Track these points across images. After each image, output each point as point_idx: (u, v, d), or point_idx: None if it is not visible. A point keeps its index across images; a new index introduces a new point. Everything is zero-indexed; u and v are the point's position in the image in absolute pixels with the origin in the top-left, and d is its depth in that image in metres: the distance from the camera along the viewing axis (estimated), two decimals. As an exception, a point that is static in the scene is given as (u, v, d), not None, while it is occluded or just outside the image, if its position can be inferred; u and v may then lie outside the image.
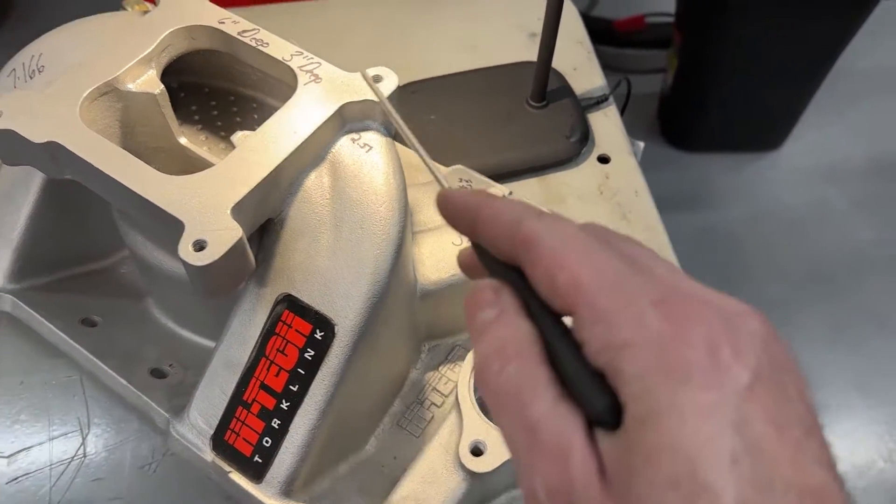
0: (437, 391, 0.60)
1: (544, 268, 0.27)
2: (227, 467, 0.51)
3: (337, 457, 0.55)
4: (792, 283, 1.53)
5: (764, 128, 1.68)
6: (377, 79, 0.51)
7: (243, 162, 0.48)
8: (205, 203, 0.45)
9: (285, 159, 0.48)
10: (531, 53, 0.78)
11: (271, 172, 0.48)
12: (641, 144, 0.81)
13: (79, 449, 0.58)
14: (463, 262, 0.35)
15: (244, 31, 0.54)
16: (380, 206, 0.50)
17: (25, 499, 0.55)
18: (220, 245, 0.44)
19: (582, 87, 0.83)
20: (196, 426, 0.53)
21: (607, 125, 0.80)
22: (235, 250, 0.44)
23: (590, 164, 0.77)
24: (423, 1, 0.94)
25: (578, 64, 0.86)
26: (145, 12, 0.59)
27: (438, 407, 0.59)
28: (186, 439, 0.53)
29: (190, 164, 0.55)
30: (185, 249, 0.43)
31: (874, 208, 1.62)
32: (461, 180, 0.65)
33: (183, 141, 0.56)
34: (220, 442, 0.52)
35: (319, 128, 0.50)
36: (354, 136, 0.52)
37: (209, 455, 0.52)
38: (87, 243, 0.66)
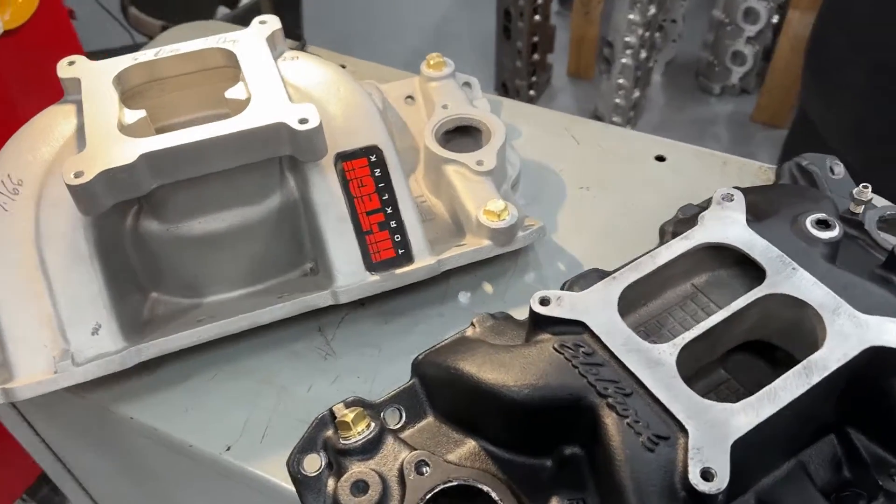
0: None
1: None
2: (392, 270, 0.74)
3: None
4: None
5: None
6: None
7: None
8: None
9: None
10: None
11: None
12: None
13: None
14: None
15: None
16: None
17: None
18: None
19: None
20: (347, 272, 0.73)
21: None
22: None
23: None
24: None
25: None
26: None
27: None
28: (351, 284, 0.72)
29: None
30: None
31: None
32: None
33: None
34: (372, 264, 0.73)
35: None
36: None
37: (373, 277, 0.73)
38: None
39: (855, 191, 0.74)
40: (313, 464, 0.61)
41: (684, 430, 0.50)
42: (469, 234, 0.78)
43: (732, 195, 0.64)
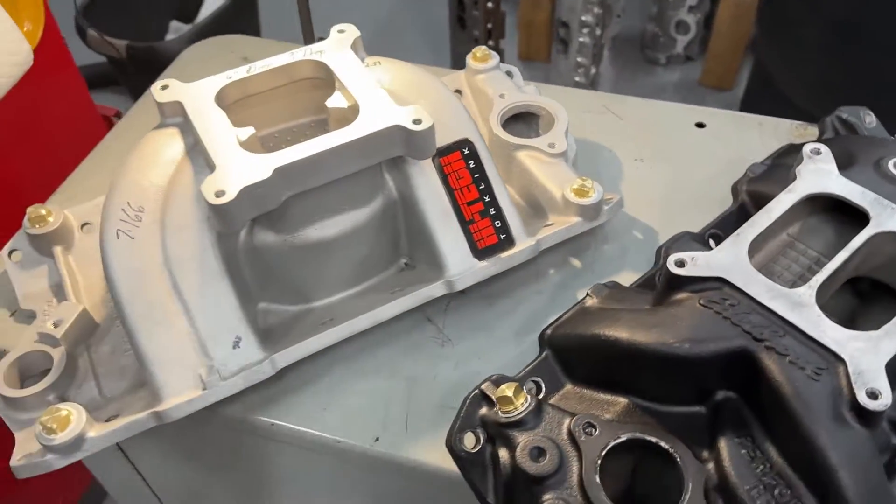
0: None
1: None
2: (497, 255, 0.77)
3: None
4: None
5: None
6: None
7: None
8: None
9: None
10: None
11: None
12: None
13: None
14: None
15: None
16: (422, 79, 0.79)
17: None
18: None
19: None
20: (457, 262, 0.76)
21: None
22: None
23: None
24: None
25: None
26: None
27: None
28: (463, 271, 0.76)
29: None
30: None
31: None
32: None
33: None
34: (479, 251, 0.76)
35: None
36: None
37: (482, 263, 0.77)
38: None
39: (900, 135, 0.82)
40: (470, 441, 0.65)
41: (840, 360, 0.56)
42: (553, 214, 0.83)
43: (820, 149, 0.70)
